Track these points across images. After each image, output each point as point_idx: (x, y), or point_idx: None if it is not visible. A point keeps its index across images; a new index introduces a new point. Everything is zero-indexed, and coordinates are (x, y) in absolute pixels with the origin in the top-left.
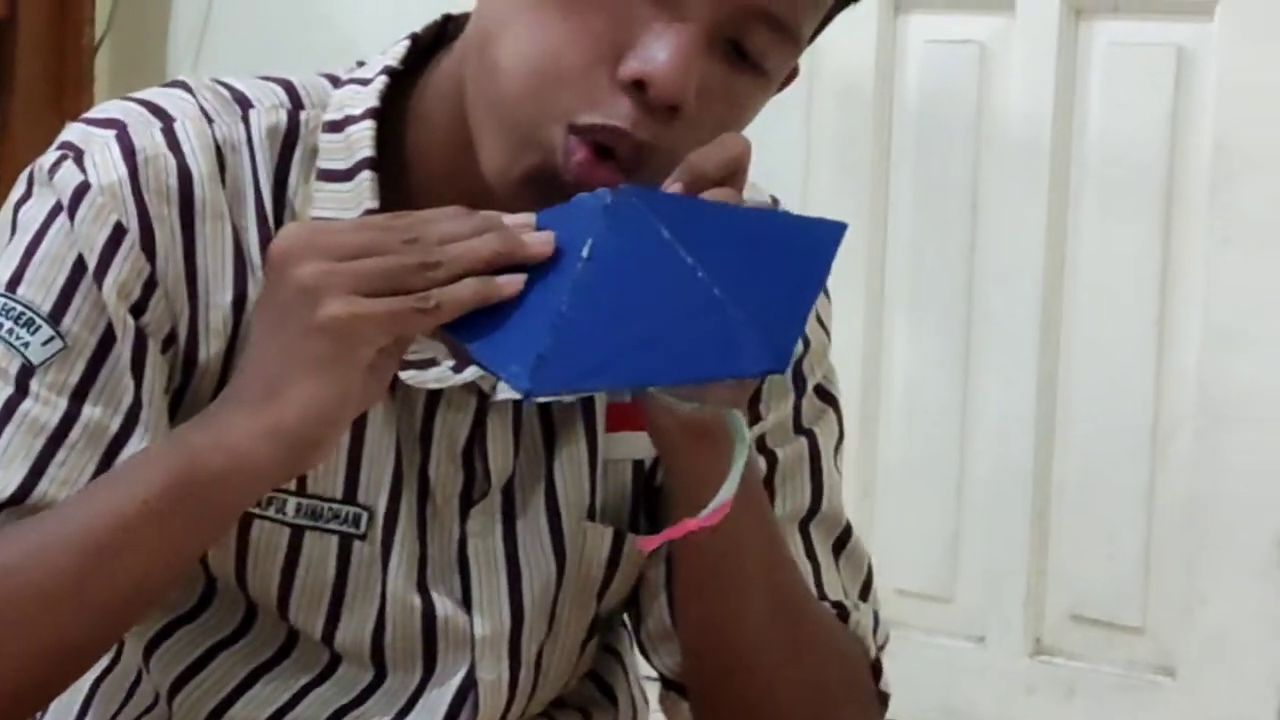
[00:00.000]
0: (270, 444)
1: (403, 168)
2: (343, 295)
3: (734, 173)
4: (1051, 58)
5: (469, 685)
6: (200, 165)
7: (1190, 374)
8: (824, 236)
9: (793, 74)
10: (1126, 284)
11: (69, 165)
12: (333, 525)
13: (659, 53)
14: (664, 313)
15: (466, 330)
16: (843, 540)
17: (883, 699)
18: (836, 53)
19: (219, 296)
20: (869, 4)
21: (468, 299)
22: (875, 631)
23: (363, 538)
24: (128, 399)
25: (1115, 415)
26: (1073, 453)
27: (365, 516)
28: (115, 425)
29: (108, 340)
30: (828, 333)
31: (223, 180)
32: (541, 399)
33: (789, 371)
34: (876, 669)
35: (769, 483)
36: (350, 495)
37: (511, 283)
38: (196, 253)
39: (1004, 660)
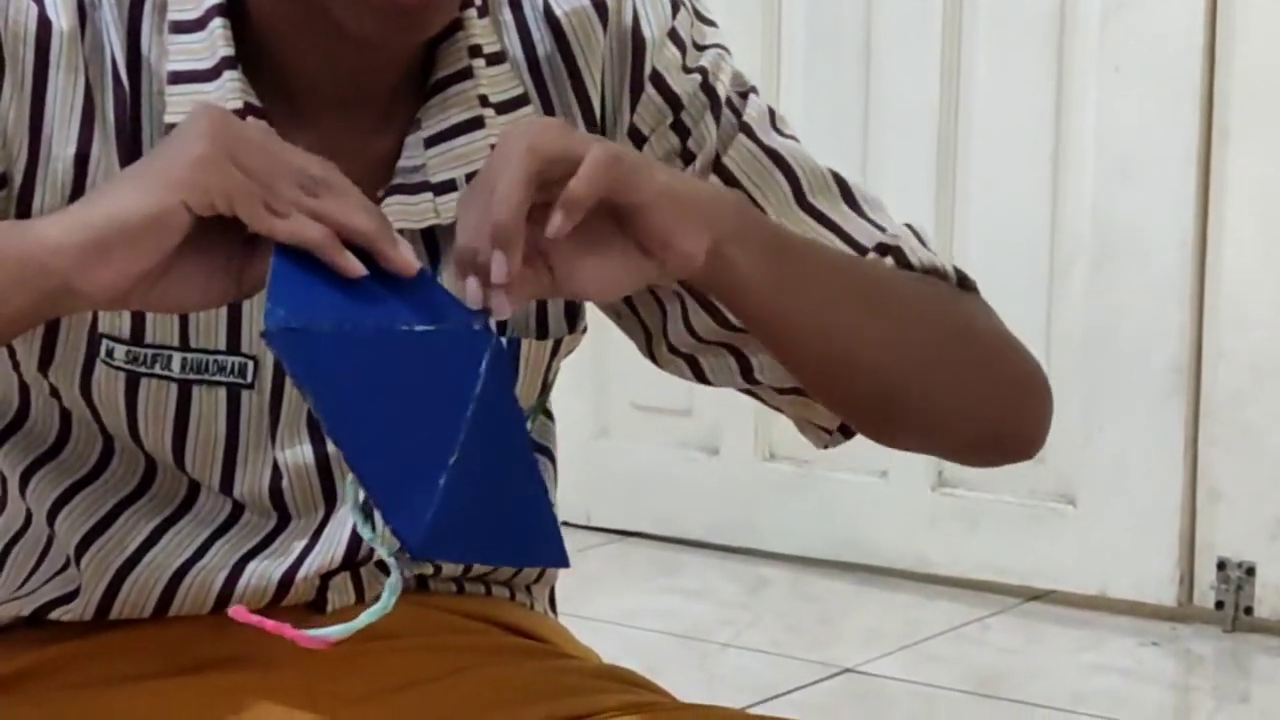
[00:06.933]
0: (65, 228)
1: (251, 9)
2: (218, 151)
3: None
4: None
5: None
6: (61, 18)
7: (1085, 206)
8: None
9: None
10: (1020, 117)
11: None
12: (219, 377)
13: None
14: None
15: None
16: (842, 187)
17: (968, 286)
18: None
19: (62, 148)
20: None
21: (312, 236)
22: (925, 242)
23: (250, 386)
24: None
25: (1011, 249)
26: None
27: (251, 365)
28: None
29: None
30: (715, 26)
31: (82, 35)
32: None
33: (698, 88)
34: (961, 276)
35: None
36: (234, 345)
37: (355, 266)
38: (46, 100)
39: (907, 493)
